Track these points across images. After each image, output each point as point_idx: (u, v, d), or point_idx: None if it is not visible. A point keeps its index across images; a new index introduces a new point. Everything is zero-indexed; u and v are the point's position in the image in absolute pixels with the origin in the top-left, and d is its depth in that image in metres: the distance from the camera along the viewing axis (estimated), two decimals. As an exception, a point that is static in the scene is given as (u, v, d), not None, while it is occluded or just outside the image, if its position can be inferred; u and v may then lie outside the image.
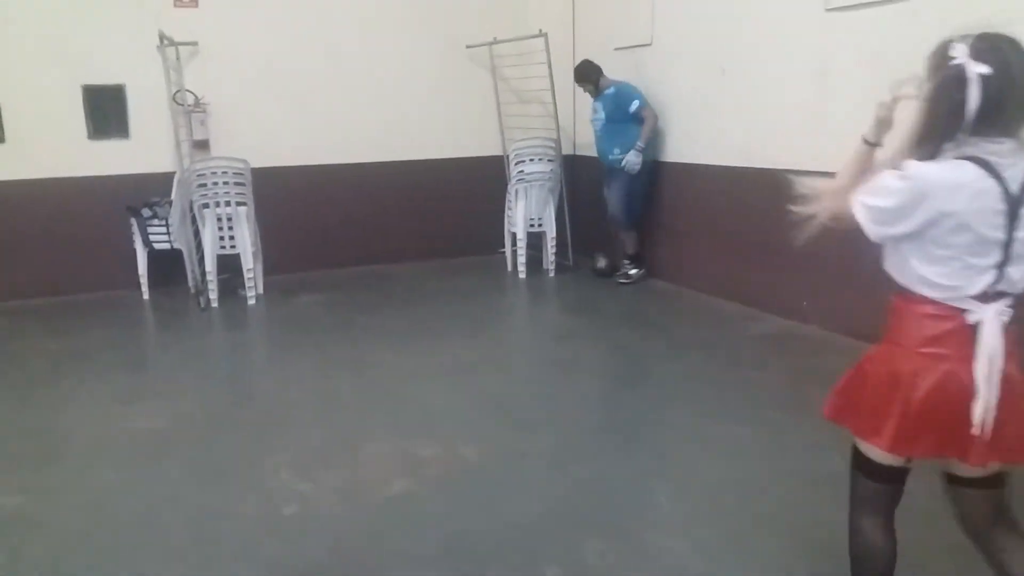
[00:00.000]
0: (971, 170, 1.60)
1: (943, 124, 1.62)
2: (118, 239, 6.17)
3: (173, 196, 6.16)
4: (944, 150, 1.63)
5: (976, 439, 1.67)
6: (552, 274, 6.85)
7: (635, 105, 6.11)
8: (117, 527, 2.88)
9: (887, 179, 1.67)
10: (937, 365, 1.69)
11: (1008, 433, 1.67)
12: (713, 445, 3.45)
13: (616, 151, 6.19)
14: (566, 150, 7.15)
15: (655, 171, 6.34)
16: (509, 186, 6.80)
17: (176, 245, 6.16)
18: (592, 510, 2.93)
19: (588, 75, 6.35)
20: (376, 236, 7.12)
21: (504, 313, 6.26)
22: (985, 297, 1.67)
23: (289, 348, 5.12)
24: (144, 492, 3.14)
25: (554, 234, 6.82)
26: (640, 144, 6.09)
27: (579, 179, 7.32)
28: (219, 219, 5.93)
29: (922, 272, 1.69)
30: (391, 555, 2.65)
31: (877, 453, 1.81)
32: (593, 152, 6.91)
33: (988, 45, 1.59)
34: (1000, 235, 1.62)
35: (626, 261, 6.50)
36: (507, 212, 6.96)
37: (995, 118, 1.59)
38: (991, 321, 1.66)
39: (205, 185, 5.86)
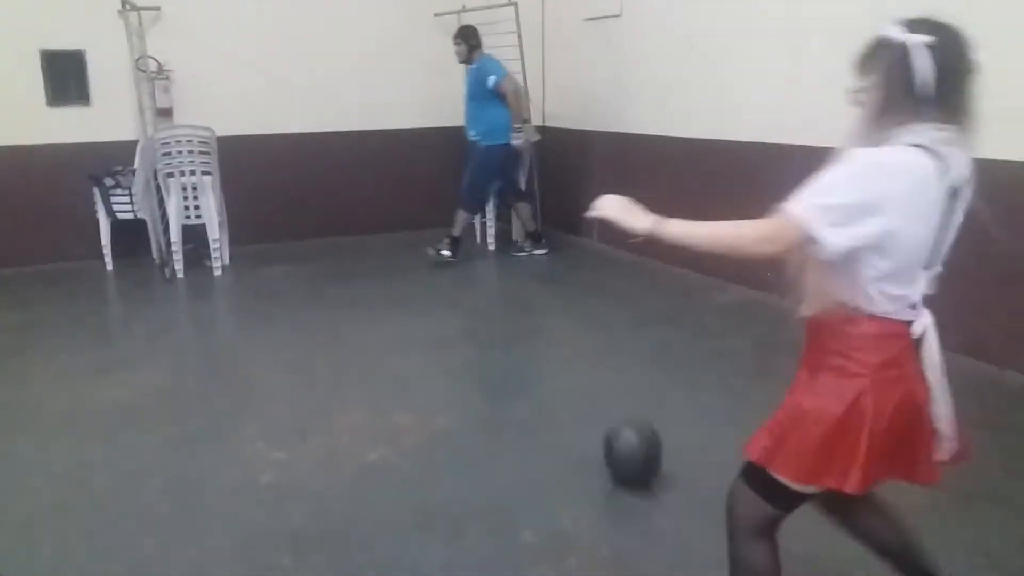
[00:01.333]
0: (919, 156, 1.49)
1: (896, 105, 1.51)
2: (80, 208, 6.06)
3: (136, 165, 6.06)
4: (891, 137, 1.52)
5: (926, 457, 1.64)
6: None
7: (492, 80, 5.93)
8: (92, 498, 2.88)
9: (838, 171, 1.49)
10: (895, 388, 1.57)
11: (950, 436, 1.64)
12: (680, 411, 3.54)
13: (473, 132, 6.09)
14: (535, 121, 7.14)
15: (510, 155, 6.26)
16: (478, 157, 6.79)
17: (140, 215, 6.07)
18: (565, 476, 2.99)
19: (466, 36, 6.05)
20: (344, 207, 7.07)
21: (475, 285, 6.28)
22: (920, 305, 1.60)
23: (259, 319, 5.10)
24: (118, 463, 3.13)
25: (523, 206, 6.83)
26: (516, 123, 6.07)
27: (549, 151, 7.33)
28: (184, 188, 5.85)
29: (876, 284, 1.54)
30: (370, 521, 2.69)
31: (801, 484, 1.65)
32: (565, 123, 6.94)
33: (923, 22, 1.52)
34: (934, 232, 1.53)
35: (447, 239, 6.24)
36: (476, 183, 6.94)
37: (942, 95, 1.49)
38: (931, 329, 1.60)
39: (169, 154, 5.77)
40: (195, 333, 5.16)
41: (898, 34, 1.51)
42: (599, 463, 3.08)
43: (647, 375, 4.03)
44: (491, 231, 6.74)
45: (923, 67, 1.48)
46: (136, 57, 5.94)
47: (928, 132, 1.49)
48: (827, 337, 1.60)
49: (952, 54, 1.50)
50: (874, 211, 1.46)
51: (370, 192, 7.16)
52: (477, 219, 6.99)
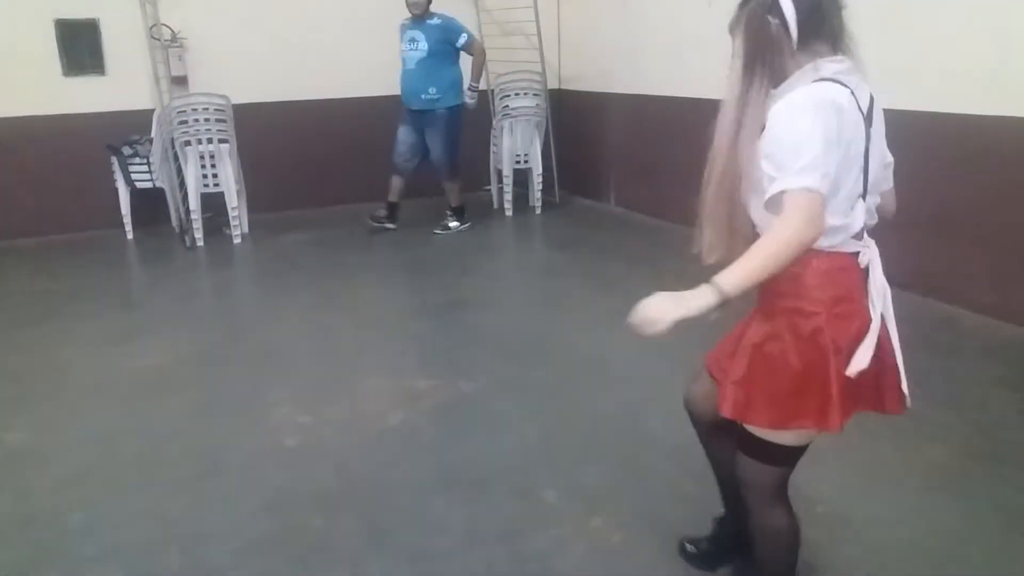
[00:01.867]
0: (839, 90, 1.51)
1: (768, 53, 1.53)
2: (99, 178, 6.09)
3: (153, 134, 6.06)
4: (780, 87, 1.55)
5: (893, 385, 1.65)
6: (539, 211, 6.86)
7: (464, 39, 5.81)
8: (122, 461, 2.93)
9: (788, 131, 1.48)
10: (850, 321, 1.57)
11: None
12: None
13: (432, 90, 5.81)
14: (551, 84, 7.08)
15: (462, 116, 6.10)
16: (495, 121, 6.75)
17: (158, 184, 6.09)
18: (588, 437, 3.01)
19: None
20: (362, 173, 7.03)
21: (493, 250, 6.27)
22: (861, 233, 1.60)
23: (279, 286, 5.13)
24: (146, 428, 3.18)
25: (540, 171, 6.80)
26: (475, 84, 5.95)
27: (565, 114, 7.27)
28: (201, 157, 5.85)
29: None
30: (393, 482, 2.73)
31: (793, 437, 1.67)
32: (581, 85, 6.84)
33: None
34: (860, 160, 1.54)
35: (449, 212, 6.24)
36: (492, 148, 6.91)
37: (820, 29, 1.53)
38: (876, 257, 1.61)
39: (186, 122, 5.77)
40: (217, 300, 5.20)
41: None
42: (620, 424, 3.10)
43: (668, 338, 4.01)
44: (507, 196, 6.71)
45: (790, 8, 1.51)
46: (150, 25, 5.91)
47: (829, 65, 1.53)
48: (778, 280, 1.55)
49: None
50: (835, 147, 1.48)
51: (388, 158, 7.12)
52: (494, 184, 6.97)
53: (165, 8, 6.07)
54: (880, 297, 1.60)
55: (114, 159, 5.98)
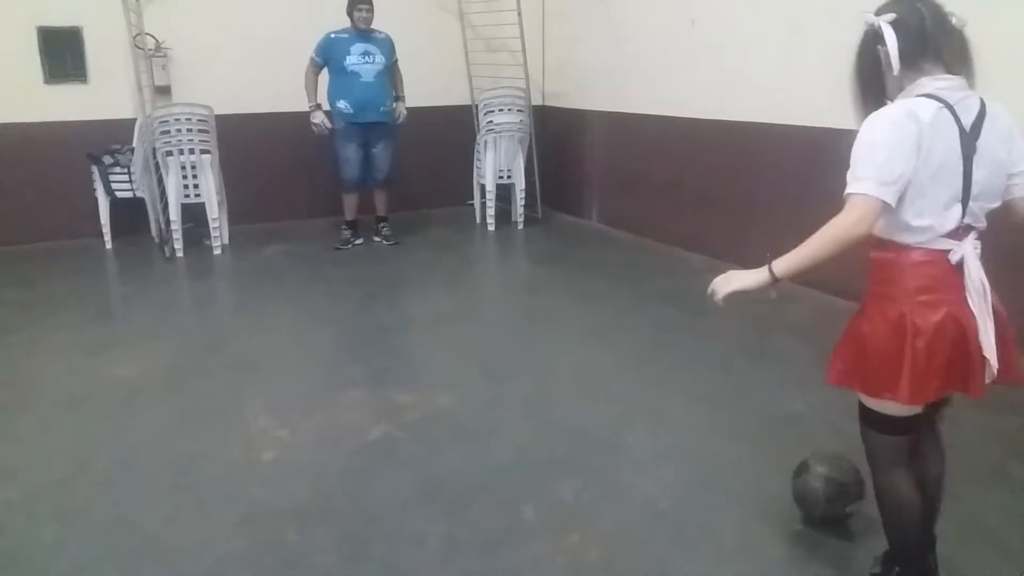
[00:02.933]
0: (928, 104, 1.71)
1: (873, 76, 1.81)
2: (79, 187, 6.04)
3: (135, 143, 6.03)
4: (889, 99, 1.79)
5: (978, 372, 1.80)
6: (521, 226, 6.88)
7: (396, 55, 6.00)
8: (96, 472, 2.89)
9: (864, 139, 1.72)
10: (935, 310, 1.75)
11: (998, 358, 1.80)
12: (681, 389, 3.56)
13: (387, 103, 5.95)
14: (535, 100, 7.12)
15: None
16: (478, 137, 6.78)
17: (139, 193, 6.05)
18: (566, 452, 3.02)
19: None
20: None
21: (475, 264, 6.29)
22: (958, 233, 1.76)
23: (259, 298, 5.10)
24: (121, 440, 3.15)
25: (523, 186, 6.83)
26: (403, 95, 6.08)
27: (548, 130, 7.31)
28: (183, 167, 5.83)
29: (901, 217, 1.75)
30: (371, 496, 2.71)
31: (892, 407, 1.85)
32: (564, 102, 6.88)
33: (892, 2, 1.79)
34: (959, 167, 1.72)
35: (385, 223, 6.34)
36: (476, 163, 6.94)
37: (925, 57, 1.74)
38: (971, 255, 1.76)
39: (168, 132, 5.74)
40: (196, 311, 5.17)
41: (869, 19, 1.80)
42: (599, 440, 3.11)
43: (647, 353, 4.05)
44: (490, 211, 6.73)
45: (892, 40, 1.73)
46: (134, 34, 5.89)
47: (932, 83, 1.73)
48: (874, 269, 1.85)
49: (922, 20, 1.73)
50: (907, 157, 1.68)
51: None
52: (477, 198, 6.99)
53: (150, 17, 6.06)
54: (976, 292, 1.76)
55: (94, 168, 5.94)
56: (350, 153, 5.99)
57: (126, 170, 5.96)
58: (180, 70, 6.31)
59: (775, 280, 1.84)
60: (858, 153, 1.72)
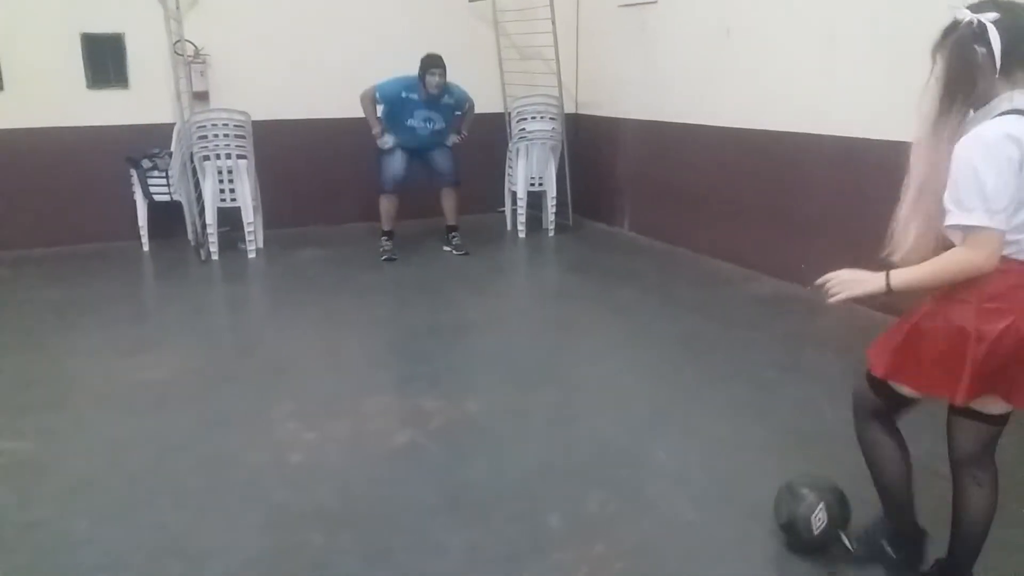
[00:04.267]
0: (1013, 121, 1.67)
1: (966, 79, 1.69)
2: (118, 190, 6.16)
3: (173, 147, 6.14)
4: (972, 117, 1.72)
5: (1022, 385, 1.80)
6: (552, 234, 6.87)
7: (466, 105, 6.08)
8: (126, 472, 2.94)
9: (967, 170, 1.67)
10: (1000, 318, 1.75)
11: None
12: (709, 402, 3.52)
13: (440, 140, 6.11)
14: (568, 108, 7.12)
15: None
16: (510, 144, 6.79)
17: (176, 197, 6.16)
18: (592, 463, 2.99)
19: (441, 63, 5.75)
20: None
21: (505, 272, 6.29)
22: None
23: (291, 302, 5.16)
24: (152, 439, 3.19)
25: (555, 194, 6.82)
26: (466, 132, 6.20)
27: (580, 138, 7.30)
28: (219, 171, 5.92)
29: None
30: (397, 502, 2.72)
31: (906, 389, 1.96)
32: (597, 111, 6.88)
33: (989, 2, 1.71)
34: None
35: (453, 235, 6.30)
36: (507, 170, 6.95)
37: (1019, 65, 1.68)
38: None
39: (205, 137, 5.84)
40: (229, 314, 5.23)
41: (965, 16, 1.70)
42: (625, 450, 3.08)
43: (676, 364, 4.01)
44: (521, 218, 6.73)
45: (996, 40, 1.66)
46: (174, 41, 6.00)
47: (1019, 97, 1.69)
48: None
49: (1019, 26, 1.68)
50: (1014, 182, 1.67)
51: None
52: (508, 205, 7.00)
53: (189, 25, 6.17)
54: None
55: (133, 171, 6.05)
56: (394, 151, 5.93)
57: (164, 174, 6.07)
58: (218, 76, 6.42)
59: (889, 291, 1.83)
60: (963, 181, 1.67)
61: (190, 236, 6.33)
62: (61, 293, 5.20)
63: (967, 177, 1.66)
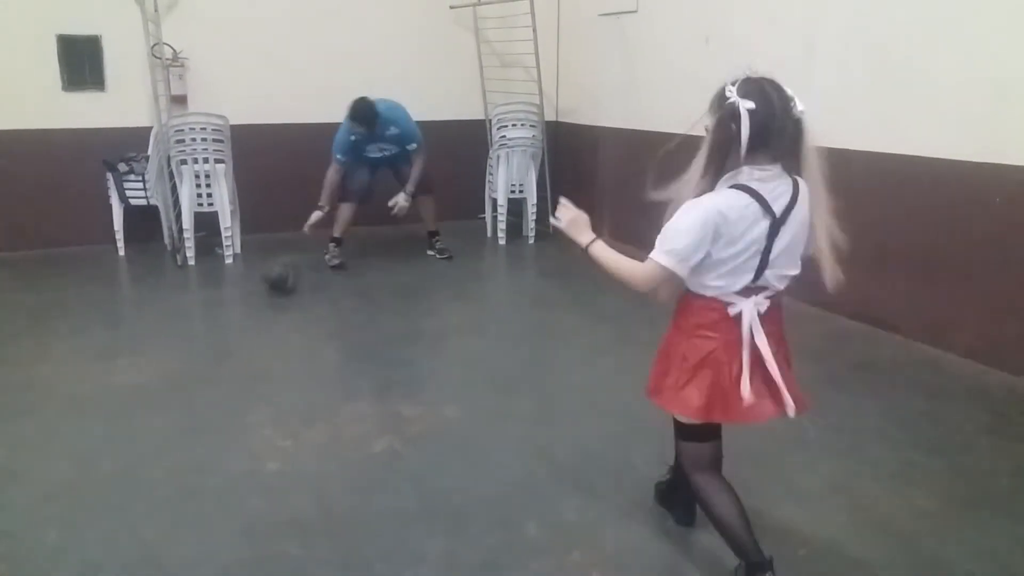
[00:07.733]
0: (741, 197, 1.92)
1: (723, 151, 1.93)
2: (94, 193, 6.10)
3: (150, 151, 6.08)
4: (720, 179, 1.96)
5: (743, 404, 2.04)
6: (532, 241, 6.88)
7: (413, 146, 5.85)
8: (99, 479, 2.89)
9: (682, 220, 1.95)
10: (705, 344, 2.08)
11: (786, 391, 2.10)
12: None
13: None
14: (548, 116, 7.14)
15: None
16: (491, 151, 6.79)
17: (153, 201, 6.10)
18: (570, 470, 2.99)
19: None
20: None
21: (485, 278, 6.28)
22: (746, 292, 2.03)
23: (268, 307, 5.11)
24: (126, 446, 3.15)
25: (535, 201, 6.83)
26: (411, 189, 5.90)
27: (561, 146, 7.32)
28: (196, 176, 5.87)
29: (701, 279, 2.04)
30: (374, 510, 2.70)
31: (684, 418, 2.19)
32: (578, 119, 6.89)
33: (754, 86, 1.90)
34: (760, 246, 1.96)
35: (436, 239, 6.31)
36: (488, 177, 6.95)
37: (762, 147, 1.90)
38: (748, 310, 2.03)
39: (183, 141, 5.79)
40: (205, 320, 5.18)
41: (732, 95, 1.90)
42: (604, 457, 3.08)
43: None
44: (501, 225, 6.73)
45: (745, 126, 1.86)
46: (152, 44, 5.95)
47: (752, 173, 1.93)
48: (678, 305, 2.20)
49: (771, 115, 1.88)
50: (704, 244, 1.95)
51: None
52: (488, 212, 7.00)
53: (168, 28, 6.12)
54: (749, 337, 2.04)
55: (109, 175, 5.99)
56: (361, 165, 5.89)
57: (141, 178, 6.01)
58: (196, 80, 6.37)
59: (584, 253, 2.27)
60: (670, 230, 1.97)
61: (167, 241, 6.27)
62: (34, 297, 5.12)
63: (674, 229, 1.96)
